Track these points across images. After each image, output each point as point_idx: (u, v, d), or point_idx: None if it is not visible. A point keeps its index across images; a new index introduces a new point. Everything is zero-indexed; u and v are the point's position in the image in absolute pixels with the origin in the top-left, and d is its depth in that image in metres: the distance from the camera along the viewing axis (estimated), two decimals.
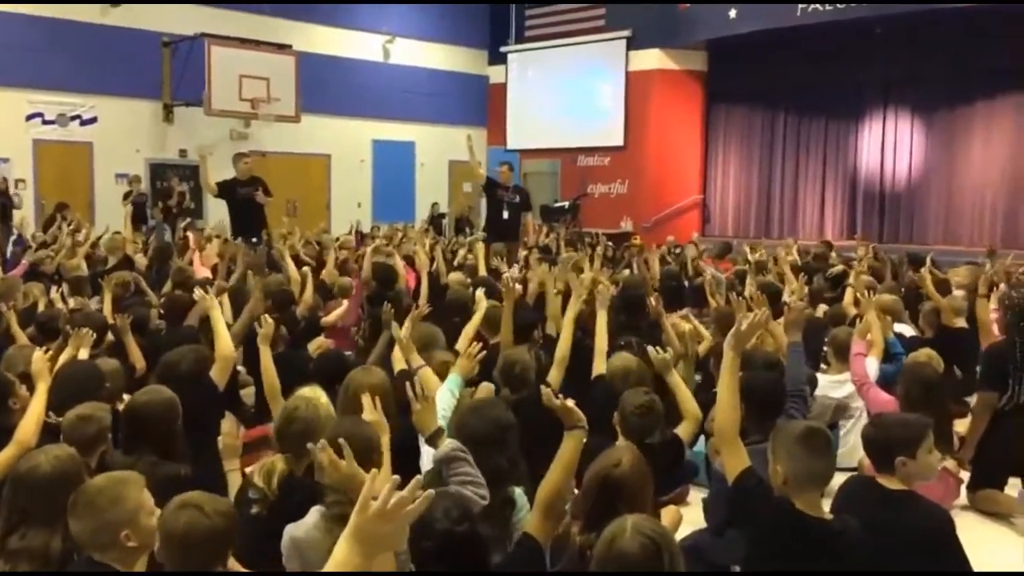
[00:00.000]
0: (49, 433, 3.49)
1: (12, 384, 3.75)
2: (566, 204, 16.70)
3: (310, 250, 10.43)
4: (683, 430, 4.12)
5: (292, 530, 2.79)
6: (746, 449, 3.11)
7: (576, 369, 4.73)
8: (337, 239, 12.22)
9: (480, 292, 6.45)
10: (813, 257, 10.29)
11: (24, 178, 14.17)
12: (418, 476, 1.94)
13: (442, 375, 4.04)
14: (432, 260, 8.31)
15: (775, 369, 4.44)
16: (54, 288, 7.08)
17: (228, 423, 3.54)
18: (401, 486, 1.80)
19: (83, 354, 4.36)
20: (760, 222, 17.87)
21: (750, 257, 9.84)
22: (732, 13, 15.75)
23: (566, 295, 6.20)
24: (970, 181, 15.30)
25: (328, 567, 1.80)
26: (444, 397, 3.64)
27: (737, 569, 3.44)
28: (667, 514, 3.82)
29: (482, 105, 20.37)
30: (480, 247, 9.19)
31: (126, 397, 4.26)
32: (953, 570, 3.07)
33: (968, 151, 15.33)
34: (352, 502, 1.82)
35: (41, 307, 6.31)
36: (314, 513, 2.78)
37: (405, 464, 3.45)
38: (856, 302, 7.09)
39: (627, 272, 9.08)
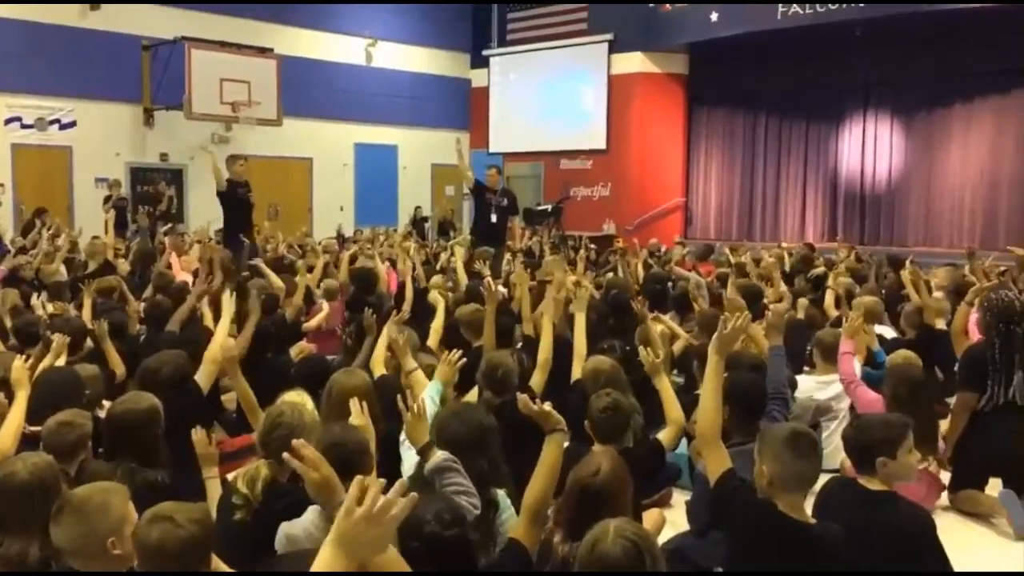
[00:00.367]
0: (27, 442, 3.46)
1: None
2: (549, 207, 16.70)
3: (293, 253, 10.41)
4: (665, 435, 4.12)
5: (288, 528, 2.79)
6: (729, 451, 3.12)
7: (557, 373, 4.73)
8: (320, 243, 12.19)
9: (435, 293, 6.49)
10: (799, 260, 10.33)
11: (2, 182, 14.04)
12: (402, 480, 1.93)
13: (428, 378, 4.04)
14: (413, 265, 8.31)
15: (759, 371, 4.45)
16: (34, 295, 7.03)
17: (199, 433, 3.51)
18: (385, 490, 1.79)
19: (60, 360, 4.33)
20: (742, 224, 17.95)
21: (732, 260, 9.87)
22: (713, 16, 15.84)
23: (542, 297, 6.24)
24: (949, 183, 15.43)
25: (313, 570, 1.79)
26: (427, 407, 3.63)
27: (720, 570, 3.44)
28: (650, 517, 3.83)
29: (464, 108, 20.37)
30: (460, 251, 9.19)
31: (106, 403, 4.25)
32: (934, 571, 3.08)
33: (947, 153, 15.45)
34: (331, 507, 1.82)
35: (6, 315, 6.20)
36: (312, 512, 2.77)
37: (388, 468, 3.45)
38: (837, 303, 7.16)
39: (611, 275, 9.09)
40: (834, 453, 4.82)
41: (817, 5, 14.47)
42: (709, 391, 3.13)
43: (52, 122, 14.51)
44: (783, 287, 7.86)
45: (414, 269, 8.13)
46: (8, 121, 14.11)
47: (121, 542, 2.43)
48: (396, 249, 10.35)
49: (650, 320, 5.92)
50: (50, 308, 6.39)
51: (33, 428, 3.55)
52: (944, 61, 14.68)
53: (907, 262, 8.09)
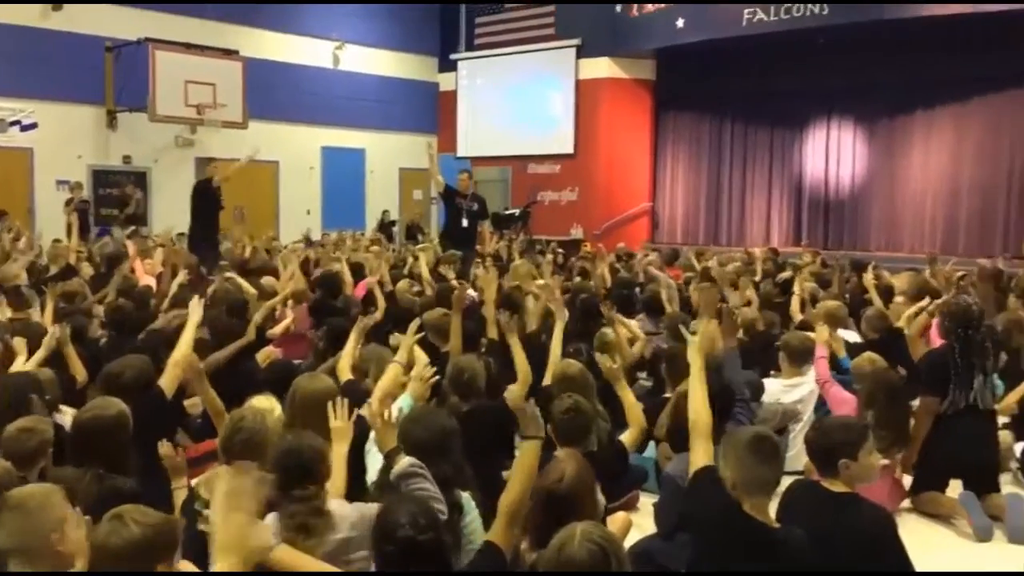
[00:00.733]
0: None
1: None
2: (517, 212, 16.72)
3: (258, 258, 10.32)
4: (627, 437, 4.16)
5: None
6: None
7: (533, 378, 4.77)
8: (286, 247, 12.11)
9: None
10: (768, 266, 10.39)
11: None
12: (266, 474, 2.02)
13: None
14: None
15: (723, 375, 4.47)
16: None
17: (165, 447, 3.48)
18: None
19: (20, 363, 4.27)
20: (709, 229, 18.08)
21: (696, 265, 9.93)
22: (680, 22, 15.98)
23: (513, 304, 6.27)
24: (911, 189, 15.66)
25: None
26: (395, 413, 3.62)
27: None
28: (616, 520, 3.84)
29: (432, 112, 20.34)
30: (425, 256, 9.16)
31: (64, 408, 4.19)
32: (896, 571, 3.12)
33: (909, 160, 15.69)
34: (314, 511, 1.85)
35: None
36: (273, 519, 2.75)
37: (356, 469, 3.44)
38: (802, 307, 7.23)
39: (579, 279, 9.12)
40: (799, 456, 4.86)
41: (782, 13, 14.64)
42: (698, 389, 3.31)
43: (13, 124, 14.27)
44: (749, 291, 7.92)
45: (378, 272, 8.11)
46: None
47: (63, 539, 2.42)
48: (362, 253, 10.31)
49: (612, 324, 5.95)
50: (8, 312, 6.27)
51: None
52: (906, 69, 14.91)
53: (870, 267, 8.20)
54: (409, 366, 4.21)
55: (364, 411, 3.51)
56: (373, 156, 19.36)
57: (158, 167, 15.69)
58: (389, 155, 19.44)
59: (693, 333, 3.59)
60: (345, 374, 4.41)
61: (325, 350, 5.41)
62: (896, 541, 3.11)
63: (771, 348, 5.97)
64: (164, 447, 3.47)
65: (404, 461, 3.02)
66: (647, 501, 4.55)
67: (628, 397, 4.27)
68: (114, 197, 15.19)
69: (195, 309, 4.51)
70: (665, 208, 18.59)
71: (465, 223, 10.22)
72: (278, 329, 6.64)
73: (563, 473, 2.86)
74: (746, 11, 15.03)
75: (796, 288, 7.68)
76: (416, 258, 9.51)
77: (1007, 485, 4.85)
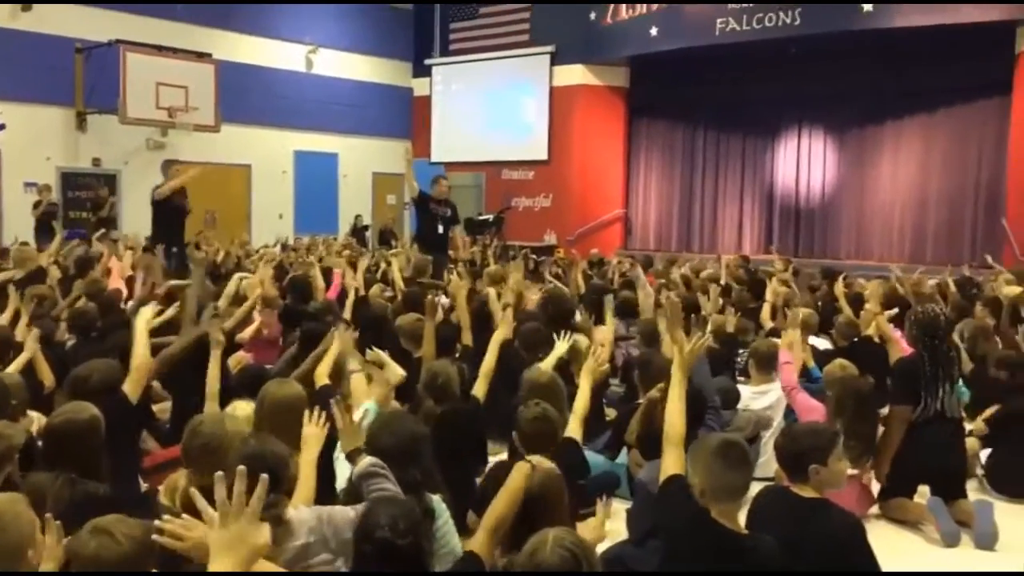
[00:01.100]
0: None
1: None
2: (490, 217, 16.73)
3: (229, 261, 10.25)
4: (571, 427, 4.13)
5: None
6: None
7: (510, 382, 4.76)
8: (258, 251, 12.03)
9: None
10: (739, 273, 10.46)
11: None
12: (264, 477, 2.01)
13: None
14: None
15: (696, 382, 4.48)
16: None
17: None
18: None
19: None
20: (681, 236, 18.19)
21: (669, 273, 9.98)
22: (653, 31, 16.08)
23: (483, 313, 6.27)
24: (880, 198, 15.84)
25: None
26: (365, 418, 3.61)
27: None
28: (587, 526, 3.84)
29: (406, 117, 20.31)
30: (398, 261, 9.12)
31: (32, 414, 4.14)
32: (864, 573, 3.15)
33: (878, 169, 15.87)
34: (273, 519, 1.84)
35: None
36: None
37: (325, 477, 3.42)
38: (773, 315, 7.28)
39: (552, 285, 9.13)
40: (769, 462, 4.89)
41: (754, 22, 14.78)
42: (676, 400, 3.34)
43: None
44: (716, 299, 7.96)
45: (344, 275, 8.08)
46: None
47: (36, 552, 2.39)
48: (334, 258, 10.25)
49: (588, 332, 5.96)
50: None
51: None
52: (875, 79, 15.12)
53: (841, 277, 8.28)
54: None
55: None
56: (346, 161, 19.30)
57: (128, 170, 15.54)
58: (362, 160, 19.40)
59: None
60: (322, 380, 4.38)
61: (298, 355, 5.37)
62: (865, 546, 3.14)
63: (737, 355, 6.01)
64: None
65: (365, 461, 3.04)
66: (619, 507, 4.55)
67: (584, 387, 4.25)
68: (88, 200, 15.01)
69: (144, 312, 4.47)
70: (638, 215, 18.67)
71: (441, 229, 10.19)
72: (246, 333, 6.59)
73: (532, 476, 2.92)
74: (719, 20, 15.16)
75: (768, 295, 7.74)
76: (389, 263, 9.47)
77: (973, 491, 4.91)
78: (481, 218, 16.80)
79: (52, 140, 14.88)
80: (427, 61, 19.96)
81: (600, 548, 3.50)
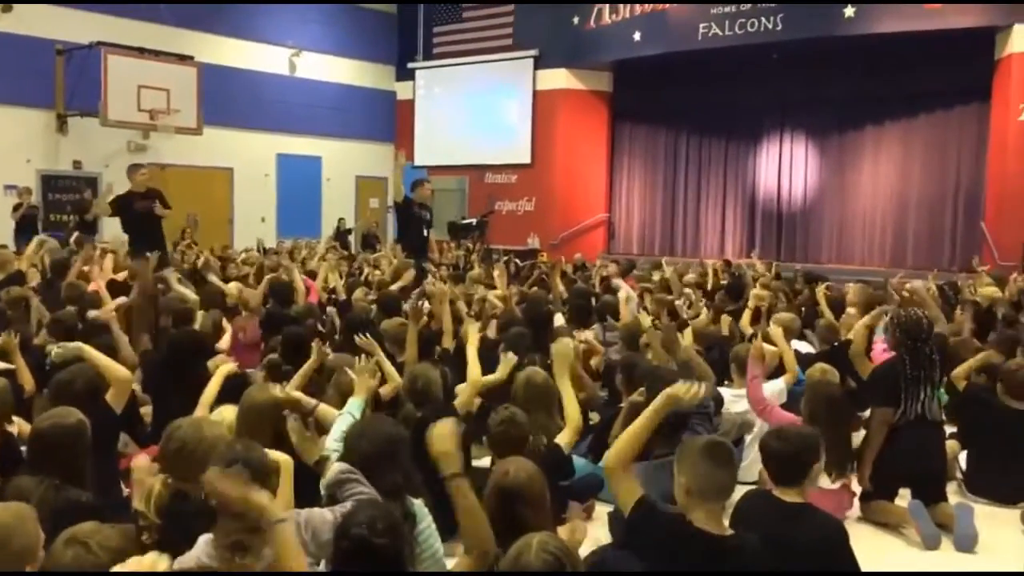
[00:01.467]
0: None
1: None
2: (473, 221, 16.72)
3: (209, 267, 10.17)
4: (563, 437, 4.18)
5: (180, 563, 2.69)
6: (653, 462, 3.15)
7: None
8: (241, 254, 11.97)
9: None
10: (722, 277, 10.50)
11: None
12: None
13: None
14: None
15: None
16: None
17: (143, 460, 3.44)
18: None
19: None
20: (664, 240, 18.24)
21: (655, 276, 10.01)
22: (636, 36, 16.14)
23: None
24: (861, 202, 15.95)
25: None
26: (346, 421, 3.60)
27: None
28: (569, 528, 3.85)
29: (390, 121, 20.29)
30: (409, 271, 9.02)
31: (15, 419, 4.10)
32: None
33: (859, 174, 15.98)
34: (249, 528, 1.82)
35: None
36: (203, 542, 2.70)
37: (305, 486, 3.40)
38: (756, 318, 7.28)
39: (535, 289, 9.14)
40: (750, 466, 4.91)
41: (736, 28, 14.86)
42: (639, 428, 3.06)
43: None
44: (697, 302, 7.99)
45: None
46: None
47: (35, 566, 2.39)
48: (317, 262, 10.23)
49: (569, 336, 5.97)
50: None
51: None
52: (856, 85, 15.23)
53: (822, 284, 8.32)
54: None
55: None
56: (329, 164, 19.26)
57: (109, 172, 15.39)
58: (346, 163, 19.36)
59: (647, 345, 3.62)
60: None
61: (280, 360, 5.34)
62: (848, 550, 3.17)
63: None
64: (142, 460, 3.41)
65: (333, 469, 3.06)
66: (603, 511, 4.55)
67: (569, 393, 4.28)
68: (69, 203, 14.90)
69: (112, 319, 4.45)
70: (621, 219, 18.72)
71: (425, 233, 10.19)
72: (223, 343, 6.56)
73: (507, 469, 2.98)
74: (702, 26, 15.24)
75: (752, 301, 7.70)
76: (374, 266, 9.45)
77: (953, 494, 4.95)
78: (464, 222, 16.77)
79: (32, 142, 14.77)
80: (410, 65, 19.95)
81: (583, 550, 3.51)
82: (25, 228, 12.98)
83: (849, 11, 13.69)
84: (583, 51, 17.40)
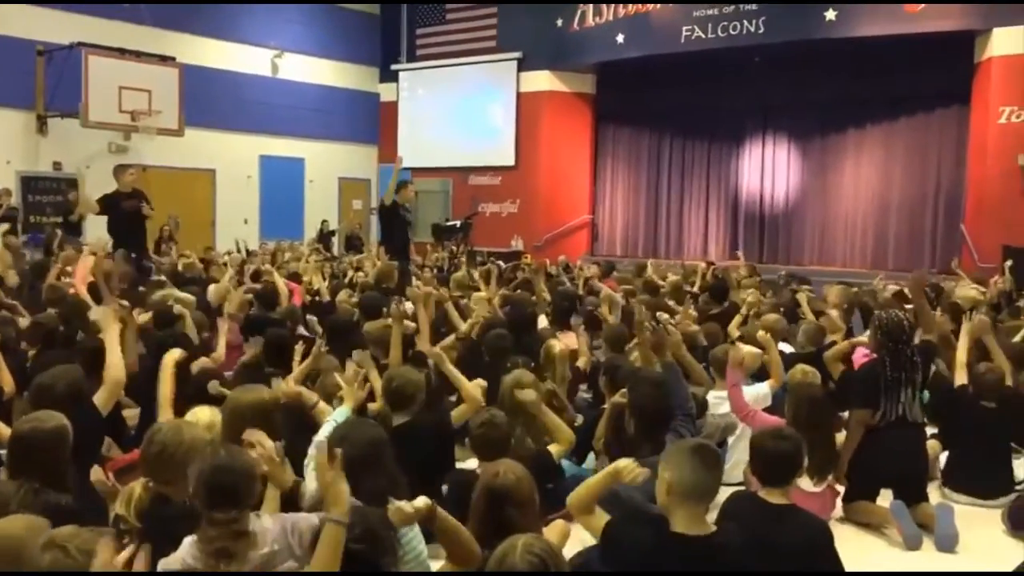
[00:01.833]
0: None
1: None
2: (457, 223, 16.68)
3: (191, 269, 10.14)
4: (555, 447, 4.22)
5: (165, 564, 2.68)
6: (637, 463, 3.15)
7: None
8: (223, 256, 11.91)
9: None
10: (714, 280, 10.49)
11: None
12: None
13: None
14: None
15: (661, 388, 4.47)
16: None
17: (96, 472, 3.40)
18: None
19: None
20: (648, 242, 18.29)
21: (642, 278, 10.02)
22: (620, 38, 16.19)
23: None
24: (843, 205, 16.05)
25: None
26: (331, 428, 3.59)
27: None
28: (554, 528, 3.86)
29: (373, 123, 20.25)
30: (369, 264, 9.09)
31: None
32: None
33: (840, 176, 16.08)
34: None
35: None
36: (188, 544, 2.68)
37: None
38: (744, 322, 7.30)
39: (519, 291, 9.14)
40: (733, 468, 4.93)
41: (719, 30, 14.94)
42: (592, 483, 3.18)
43: None
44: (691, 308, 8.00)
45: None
46: None
47: None
48: (301, 263, 10.19)
49: (552, 340, 5.96)
50: None
51: None
52: (838, 88, 15.33)
53: (804, 290, 8.37)
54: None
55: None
56: (312, 165, 19.19)
57: (90, 174, 15.22)
58: (329, 164, 19.31)
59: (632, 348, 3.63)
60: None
61: (261, 362, 5.31)
62: (832, 551, 3.19)
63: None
64: (95, 473, 3.38)
65: (309, 490, 3.13)
66: None
67: (552, 421, 4.32)
68: (49, 204, 14.77)
69: (110, 325, 4.38)
70: (605, 221, 18.76)
71: (409, 235, 10.23)
72: (219, 350, 6.52)
73: (497, 471, 2.99)
74: (685, 28, 15.31)
75: (744, 309, 7.68)
76: (357, 269, 9.43)
77: (934, 493, 4.98)
78: (448, 224, 16.74)
79: (12, 144, 14.64)
80: (394, 66, 19.91)
81: (568, 552, 3.51)
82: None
83: (830, 14, 13.79)
84: (566, 53, 17.43)
